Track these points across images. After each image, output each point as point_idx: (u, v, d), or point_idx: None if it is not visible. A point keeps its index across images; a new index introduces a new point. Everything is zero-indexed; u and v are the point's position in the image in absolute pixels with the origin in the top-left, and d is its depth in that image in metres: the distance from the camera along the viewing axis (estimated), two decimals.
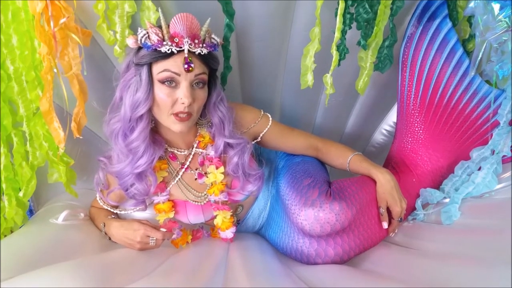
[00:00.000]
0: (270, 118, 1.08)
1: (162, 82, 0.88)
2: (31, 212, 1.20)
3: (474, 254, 0.81)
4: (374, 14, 1.00)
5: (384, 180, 1.01)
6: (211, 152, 1.01)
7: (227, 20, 0.99)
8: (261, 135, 1.08)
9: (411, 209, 1.11)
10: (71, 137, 0.99)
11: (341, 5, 0.94)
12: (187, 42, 0.85)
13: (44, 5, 0.85)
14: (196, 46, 0.87)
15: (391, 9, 1.02)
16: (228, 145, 1.00)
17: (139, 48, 0.89)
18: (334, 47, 0.99)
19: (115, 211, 1.07)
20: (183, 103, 0.88)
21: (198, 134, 1.03)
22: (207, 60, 0.91)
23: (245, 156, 1.00)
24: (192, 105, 0.90)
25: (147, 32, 0.86)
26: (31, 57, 0.95)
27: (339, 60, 1.02)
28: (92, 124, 1.13)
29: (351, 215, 0.93)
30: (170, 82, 0.88)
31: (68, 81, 0.95)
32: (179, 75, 0.87)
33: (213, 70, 0.96)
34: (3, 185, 1.01)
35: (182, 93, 0.88)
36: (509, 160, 1.08)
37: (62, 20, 0.87)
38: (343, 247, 0.95)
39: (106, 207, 1.06)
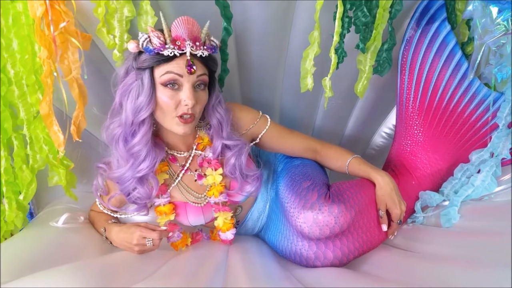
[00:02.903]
0: (269, 119, 1.09)
1: (165, 85, 0.89)
2: (31, 215, 1.20)
3: (474, 256, 0.81)
4: (372, 17, 1.00)
5: (383, 182, 1.01)
6: (209, 154, 1.02)
7: (225, 23, 1.00)
8: (259, 136, 1.08)
9: (410, 212, 1.11)
10: (71, 141, 1.00)
11: (340, 8, 0.94)
12: (189, 44, 0.87)
13: (44, 9, 0.86)
14: (198, 48, 0.88)
15: (390, 12, 1.02)
16: (226, 147, 1.01)
17: (139, 53, 0.90)
18: (332, 51, 0.99)
19: (115, 215, 1.07)
20: (186, 105, 0.89)
21: (197, 136, 1.04)
22: (207, 62, 0.92)
23: (242, 157, 1.01)
24: (194, 107, 0.90)
25: (149, 36, 0.87)
26: (32, 61, 0.95)
27: (337, 64, 1.02)
28: (92, 127, 1.13)
29: (350, 218, 0.93)
30: (173, 84, 0.89)
31: (68, 84, 0.95)
32: (181, 76, 0.88)
33: (212, 72, 0.96)
34: (4, 188, 1.01)
35: (185, 95, 0.88)
36: (509, 162, 1.08)
37: (62, 24, 0.88)
38: (342, 250, 0.95)
39: (106, 212, 1.06)
